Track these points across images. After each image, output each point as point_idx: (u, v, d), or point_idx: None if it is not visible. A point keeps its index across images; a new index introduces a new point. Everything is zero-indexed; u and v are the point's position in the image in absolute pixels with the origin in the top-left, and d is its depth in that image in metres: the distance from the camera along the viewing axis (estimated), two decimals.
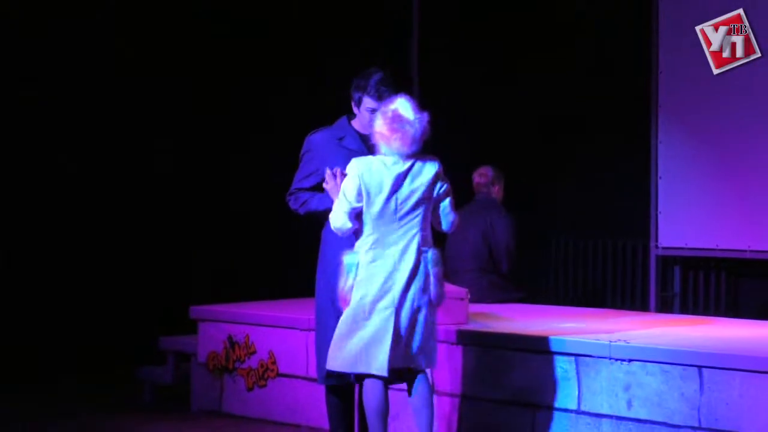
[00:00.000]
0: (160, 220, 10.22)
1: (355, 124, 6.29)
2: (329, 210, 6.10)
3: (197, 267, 10.26)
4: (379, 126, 5.90)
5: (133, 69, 10.14)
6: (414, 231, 5.95)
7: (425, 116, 5.92)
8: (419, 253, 5.95)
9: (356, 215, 5.95)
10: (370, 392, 5.95)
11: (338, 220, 5.97)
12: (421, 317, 5.96)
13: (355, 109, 6.27)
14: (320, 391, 6.74)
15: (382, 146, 5.91)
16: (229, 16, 10.57)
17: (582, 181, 10.85)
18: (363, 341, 5.91)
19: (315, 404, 7.36)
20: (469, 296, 7.16)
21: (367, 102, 6.16)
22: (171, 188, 10.28)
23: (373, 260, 5.92)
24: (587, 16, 10.74)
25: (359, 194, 5.91)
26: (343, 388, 6.29)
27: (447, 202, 6.08)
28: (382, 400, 5.94)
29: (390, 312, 5.90)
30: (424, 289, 5.97)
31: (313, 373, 7.24)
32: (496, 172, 8.62)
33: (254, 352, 7.77)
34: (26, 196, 9.75)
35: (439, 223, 6.12)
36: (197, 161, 10.43)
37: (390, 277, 5.91)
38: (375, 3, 10.87)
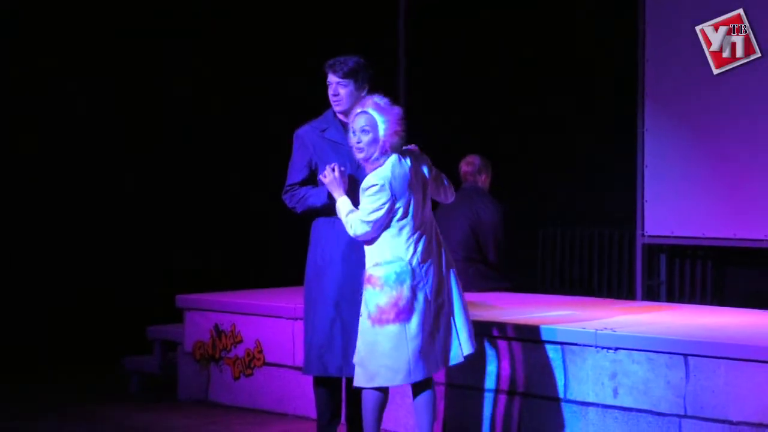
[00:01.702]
0: (146, 209, 10.22)
1: (341, 114, 6.30)
2: (326, 206, 6.12)
3: (183, 256, 10.25)
4: (393, 126, 5.80)
5: (132, 67, 10.16)
6: (432, 218, 5.99)
7: None
8: (440, 237, 6.00)
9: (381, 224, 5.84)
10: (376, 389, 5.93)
11: (360, 228, 5.82)
12: (463, 300, 6.01)
13: None
14: (307, 380, 6.73)
15: (396, 145, 5.82)
16: (229, 14, 10.59)
17: (568, 169, 10.86)
18: (440, 339, 5.88)
19: (302, 393, 7.37)
20: None
21: (327, 76, 6.26)
22: (160, 180, 10.29)
23: (423, 260, 5.83)
24: (577, 8, 10.74)
25: (391, 208, 5.77)
26: (330, 377, 6.30)
27: (442, 175, 6.11)
28: (385, 394, 5.94)
29: (444, 301, 5.90)
30: (453, 271, 6.02)
31: (299, 362, 7.24)
32: (483, 161, 8.61)
33: (241, 341, 7.77)
34: (17, 194, 9.76)
35: (447, 196, 6.16)
36: (189, 157, 10.43)
37: (437, 270, 5.88)
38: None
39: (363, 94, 6.22)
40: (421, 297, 5.80)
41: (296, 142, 6.35)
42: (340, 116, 6.30)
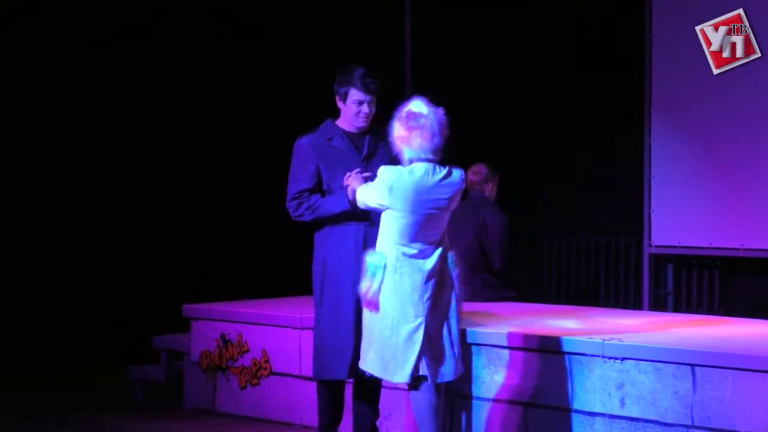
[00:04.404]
0: (153, 218, 10.22)
1: (341, 123, 6.34)
2: (347, 211, 6.17)
3: (190, 265, 10.26)
4: (398, 131, 5.86)
5: (132, 68, 10.18)
6: (448, 244, 6.03)
7: (440, 110, 5.92)
8: (452, 276, 6.06)
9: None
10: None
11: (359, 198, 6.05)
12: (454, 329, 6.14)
13: (340, 105, 6.34)
14: (313, 389, 6.73)
15: (406, 151, 5.85)
16: (230, 16, 10.61)
17: (575, 179, 10.86)
18: (399, 351, 5.93)
19: (308, 403, 7.36)
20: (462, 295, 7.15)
21: (354, 94, 6.25)
22: (165, 187, 10.29)
23: (412, 270, 5.87)
24: (583, 14, 10.75)
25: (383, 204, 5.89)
26: (335, 382, 6.35)
27: None
28: (433, 395, 5.99)
29: (422, 323, 5.95)
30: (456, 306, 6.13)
31: (306, 371, 7.24)
32: (489, 171, 8.61)
33: (247, 351, 7.76)
34: (23, 198, 9.77)
35: None
36: (191, 162, 10.44)
37: (433, 294, 5.93)
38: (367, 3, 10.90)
39: None
40: (386, 300, 5.85)
41: (300, 151, 6.34)
42: (342, 127, 6.32)
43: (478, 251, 8.37)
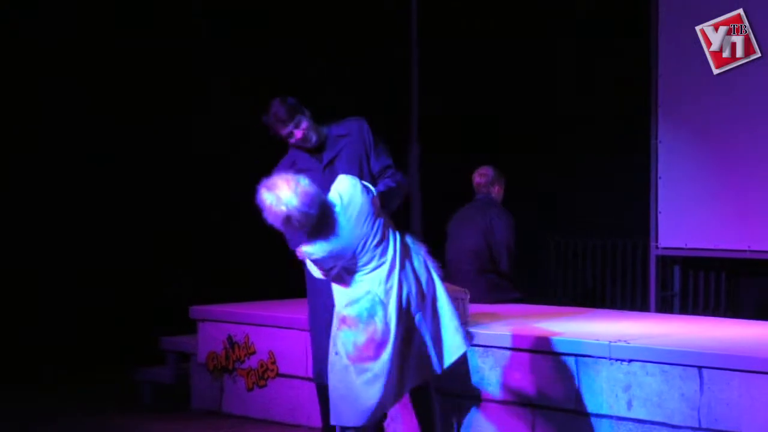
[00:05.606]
0: (160, 219, 10.23)
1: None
2: None
3: (197, 266, 10.27)
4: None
5: (131, 67, 10.18)
6: (383, 228, 5.84)
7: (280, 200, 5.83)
8: (398, 241, 5.89)
9: None
10: None
11: (318, 274, 5.90)
12: (443, 303, 5.94)
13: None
14: None
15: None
16: (231, 15, 10.62)
17: (582, 180, 10.86)
18: (410, 366, 5.74)
19: (315, 404, 7.35)
20: (468, 296, 7.16)
21: (279, 129, 6.36)
22: (171, 187, 10.30)
23: (388, 287, 5.71)
24: (588, 14, 10.76)
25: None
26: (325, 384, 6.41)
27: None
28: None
29: (411, 324, 5.82)
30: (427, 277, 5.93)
31: (312, 373, 7.24)
32: (496, 173, 8.62)
33: (254, 352, 7.77)
34: (23, 199, 9.77)
35: None
36: (195, 161, 10.44)
37: (398, 289, 5.78)
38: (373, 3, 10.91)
39: (308, 113, 6.38)
40: (392, 326, 5.61)
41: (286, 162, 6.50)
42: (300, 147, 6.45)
43: (485, 253, 8.37)
